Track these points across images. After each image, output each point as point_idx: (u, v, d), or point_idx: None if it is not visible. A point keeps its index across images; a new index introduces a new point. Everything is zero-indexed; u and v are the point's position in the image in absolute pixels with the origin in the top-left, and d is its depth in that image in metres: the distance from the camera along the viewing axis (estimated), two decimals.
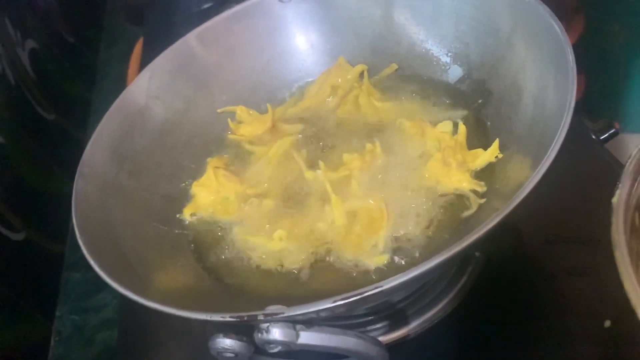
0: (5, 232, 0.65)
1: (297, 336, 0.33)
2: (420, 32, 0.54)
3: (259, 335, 0.32)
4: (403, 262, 0.42)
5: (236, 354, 0.34)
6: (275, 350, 0.33)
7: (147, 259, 0.44)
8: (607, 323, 0.42)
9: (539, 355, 0.43)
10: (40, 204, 0.75)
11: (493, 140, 0.45)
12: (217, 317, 0.33)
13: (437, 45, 0.53)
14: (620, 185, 0.32)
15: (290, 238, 0.44)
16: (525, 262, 0.48)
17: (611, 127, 0.54)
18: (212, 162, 0.51)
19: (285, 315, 0.32)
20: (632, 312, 0.28)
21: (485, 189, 0.43)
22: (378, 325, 0.45)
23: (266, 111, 0.54)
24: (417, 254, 0.42)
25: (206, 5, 0.81)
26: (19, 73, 0.79)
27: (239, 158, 0.53)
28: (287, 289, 0.42)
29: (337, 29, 0.57)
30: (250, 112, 0.55)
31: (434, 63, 0.54)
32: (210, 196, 0.49)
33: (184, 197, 0.50)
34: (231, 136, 0.54)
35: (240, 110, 0.55)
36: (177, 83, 0.54)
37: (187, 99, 0.55)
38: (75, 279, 0.71)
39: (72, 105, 0.92)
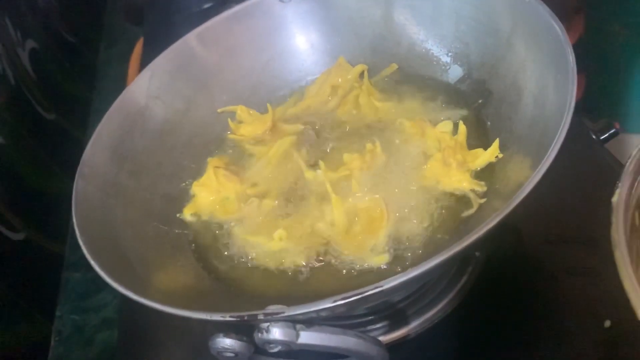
0: (6, 231, 0.65)
1: (297, 336, 0.33)
2: (420, 32, 0.54)
3: (259, 334, 0.32)
4: (403, 262, 0.41)
5: (236, 354, 0.34)
6: (276, 350, 0.33)
7: (147, 259, 0.44)
8: (607, 323, 0.42)
9: (539, 355, 0.43)
10: (40, 203, 0.75)
11: (493, 140, 0.45)
12: (217, 317, 0.33)
13: (437, 45, 0.53)
14: (620, 185, 0.32)
15: (291, 238, 0.44)
16: (525, 262, 0.48)
17: (611, 127, 0.54)
18: (212, 162, 0.51)
19: (286, 314, 0.32)
20: (632, 312, 0.28)
21: (485, 188, 0.43)
22: (378, 325, 0.45)
23: (266, 111, 0.54)
24: (417, 254, 0.42)
25: (206, 5, 0.82)
26: (19, 73, 0.79)
27: (239, 158, 0.53)
28: (287, 288, 0.42)
29: (337, 29, 0.57)
30: (251, 112, 0.55)
31: (434, 63, 0.54)
32: (210, 196, 0.49)
33: (184, 197, 0.50)
34: (231, 136, 0.54)
35: (241, 110, 0.55)
36: (177, 83, 0.54)
37: (188, 99, 0.55)
38: (75, 279, 0.71)
39: (73, 105, 0.92)
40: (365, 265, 0.42)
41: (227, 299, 0.43)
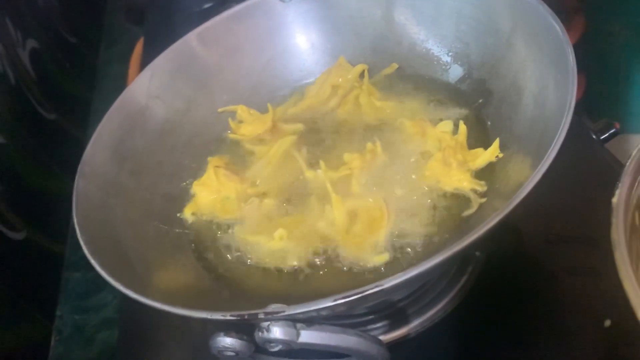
0: (6, 231, 0.66)
1: (298, 335, 0.33)
2: (420, 32, 0.54)
3: (260, 334, 0.32)
4: (403, 261, 0.42)
5: (237, 353, 0.34)
6: (276, 349, 0.33)
7: (148, 258, 0.44)
8: (607, 322, 0.42)
9: (539, 354, 0.43)
10: (40, 203, 0.75)
11: (493, 140, 0.45)
12: (217, 316, 0.33)
13: (437, 45, 0.53)
14: (620, 185, 0.32)
15: (291, 237, 0.44)
16: (525, 261, 0.48)
17: (611, 127, 0.54)
18: (212, 161, 0.51)
19: (286, 313, 0.32)
20: (632, 312, 0.28)
21: (485, 188, 0.43)
22: (379, 324, 0.45)
23: (267, 111, 0.54)
24: (417, 253, 0.42)
25: (207, 5, 0.81)
26: (19, 73, 0.79)
27: (239, 157, 0.53)
28: (287, 288, 0.42)
29: (337, 29, 0.57)
30: (251, 111, 0.55)
31: (435, 63, 0.54)
32: (210, 195, 0.49)
33: (185, 197, 0.50)
34: (232, 136, 0.54)
35: (241, 110, 0.55)
36: (177, 83, 0.55)
37: (188, 99, 0.55)
38: (75, 279, 0.71)
39: (73, 105, 0.92)
40: (366, 264, 0.42)
41: (227, 299, 0.43)
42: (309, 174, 0.48)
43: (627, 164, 0.33)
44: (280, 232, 0.44)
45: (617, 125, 0.55)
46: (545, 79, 0.42)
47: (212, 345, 0.34)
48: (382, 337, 0.42)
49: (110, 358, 0.63)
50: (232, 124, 0.55)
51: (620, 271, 0.29)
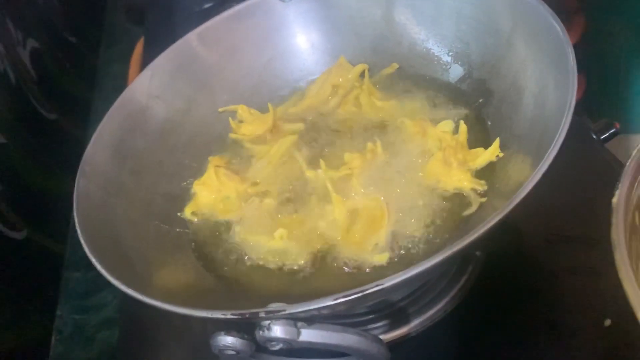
0: (7, 231, 0.66)
1: (299, 334, 0.33)
2: (421, 32, 0.54)
3: (261, 332, 0.32)
4: (404, 261, 0.42)
5: (237, 352, 0.34)
6: (277, 347, 0.33)
7: (149, 258, 0.44)
8: (607, 322, 0.42)
9: (539, 353, 0.43)
10: (41, 203, 0.75)
11: (494, 140, 0.45)
12: (218, 315, 0.33)
13: (438, 45, 0.53)
14: (620, 185, 0.32)
15: (291, 237, 0.44)
16: (525, 261, 0.48)
17: (611, 126, 0.54)
18: (213, 161, 0.51)
19: (287, 312, 0.32)
20: (632, 312, 0.28)
21: (485, 187, 0.44)
22: (379, 324, 0.45)
23: (267, 110, 0.54)
24: (418, 253, 0.42)
25: (207, 5, 0.82)
26: (20, 73, 0.79)
27: (240, 157, 0.53)
28: (288, 287, 0.43)
29: (338, 29, 0.57)
30: (251, 111, 0.55)
31: (435, 62, 0.54)
32: (211, 195, 0.49)
33: (185, 196, 0.50)
34: (232, 135, 0.54)
35: (241, 110, 0.55)
36: (178, 82, 0.55)
37: (188, 99, 0.55)
38: (75, 278, 0.71)
39: (73, 104, 0.93)
40: (366, 263, 0.42)
41: (228, 298, 0.43)
42: (310, 173, 0.48)
43: (627, 164, 0.33)
44: (280, 231, 0.44)
45: (617, 125, 0.55)
46: (546, 78, 0.42)
47: (213, 344, 0.34)
48: (382, 337, 0.42)
49: (110, 358, 0.63)
50: (232, 123, 0.55)
51: (620, 271, 0.29)
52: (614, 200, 0.32)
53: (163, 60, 0.54)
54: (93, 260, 0.38)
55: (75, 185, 0.44)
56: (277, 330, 0.32)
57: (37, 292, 0.68)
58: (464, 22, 0.51)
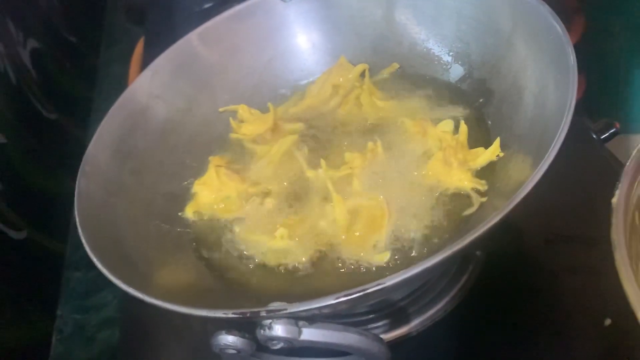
0: (7, 231, 0.66)
1: (300, 333, 0.33)
2: (421, 32, 0.54)
3: (262, 331, 0.32)
4: (404, 260, 0.42)
5: (238, 351, 0.34)
6: (278, 346, 0.33)
7: (149, 257, 0.44)
8: (607, 321, 0.42)
9: (539, 352, 0.43)
10: (41, 203, 0.75)
11: (494, 140, 0.45)
12: (219, 314, 0.33)
13: (438, 45, 0.54)
14: (620, 185, 0.32)
15: (292, 236, 0.44)
16: (525, 260, 0.49)
17: (611, 126, 0.54)
18: (214, 160, 0.51)
19: (288, 311, 0.32)
20: (632, 312, 0.28)
21: (486, 187, 0.44)
22: (379, 323, 0.45)
23: (268, 110, 0.54)
24: (418, 252, 0.42)
25: (207, 5, 0.82)
26: (20, 72, 0.79)
27: (240, 157, 0.53)
28: (288, 286, 0.43)
29: (338, 29, 0.57)
30: (252, 111, 0.55)
31: (435, 62, 0.54)
32: (212, 195, 0.49)
33: (186, 196, 0.50)
34: (233, 135, 0.54)
35: (242, 110, 0.55)
36: (178, 82, 0.55)
37: (189, 98, 0.55)
38: (76, 278, 0.71)
39: (74, 104, 0.93)
40: (367, 263, 0.42)
41: (228, 297, 0.43)
42: (310, 173, 0.48)
43: (627, 164, 0.33)
44: (281, 231, 0.44)
45: (617, 125, 0.55)
46: (546, 78, 0.42)
47: (214, 344, 0.34)
48: (383, 336, 0.42)
49: (110, 357, 0.63)
50: (233, 123, 0.55)
51: (620, 271, 0.29)
52: (614, 200, 0.32)
53: (164, 60, 0.54)
54: (94, 259, 0.38)
55: (76, 185, 0.44)
56: (278, 330, 0.32)
57: (37, 292, 0.68)
58: (464, 22, 0.51)
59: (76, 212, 0.42)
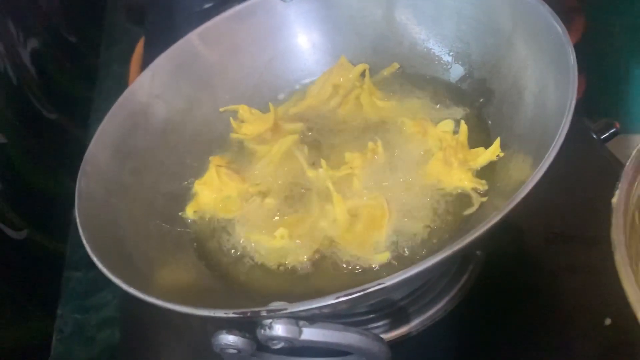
0: (7, 230, 0.66)
1: (300, 332, 0.33)
2: (421, 32, 0.54)
3: (262, 331, 0.32)
4: (405, 260, 0.42)
5: (239, 350, 0.34)
6: (278, 346, 0.33)
7: (150, 257, 0.44)
8: (608, 321, 0.42)
9: (539, 352, 0.43)
10: (41, 202, 0.75)
11: (494, 139, 0.45)
12: (220, 314, 0.33)
13: (438, 45, 0.54)
14: (620, 185, 0.32)
15: (292, 236, 0.44)
16: (525, 260, 0.49)
17: (611, 126, 0.54)
18: (214, 160, 0.51)
19: (288, 311, 0.32)
20: (632, 312, 0.28)
21: (486, 187, 0.44)
22: (380, 323, 0.45)
23: (268, 110, 0.54)
24: (418, 252, 0.42)
25: (207, 5, 0.82)
26: (20, 72, 0.79)
27: (241, 156, 0.53)
28: (289, 286, 0.43)
29: (338, 29, 0.57)
30: (252, 111, 0.55)
31: (436, 62, 0.54)
32: (212, 194, 0.49)
33: (187, 196, 0.51)
34: (233, 135, 0.54)
35: (242, 110, 0.55)
36: (179, 82, 0.55)
37: (190, 98, 0.55)
38: (76, 278, 0.71)
39: (74, 104, 0.93)
40: (367, 263, 0.42)
41: (229, 297, 0.43)
42: (310, 173, 0.48)
43: (627, 164, 0.33)
44: (281, 231, 0.44)
45: (617, 125, 0.55)
46: (546, 78, 0.42)
47: (215, 343, 0.34)
48: (383, 336, 0.42)
49: (111, 357, 0.63)
50: (233, 123, 0.55)
51: (620, 271, 0.29)
52: (614, 200, 0.32)
53: (164, 60, 0.54)
54: (95, 259, 0.38)
55: (77, 185, 0.44)
56: (279, 329, 0.32)
57: (37, 291, 0.68)
58: (464, 22, 0.51)
59: (77, 212, 0.42)
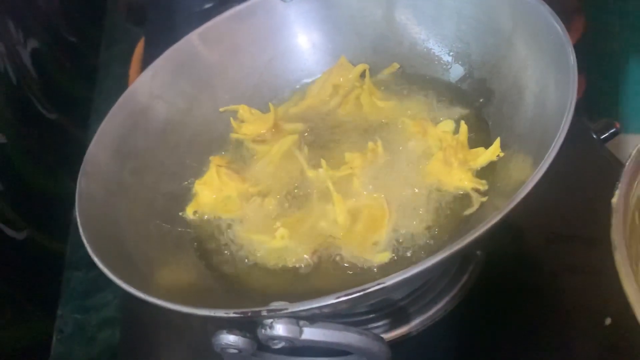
0: (7, 230, 0.66)
1: (301, 332, 0.33)
2: (421, 32, 0.54)
3: (263, 331, 0.33)
4: (405, 260, 0.42)
5: (240, 350, 0.34)
6: (279, 346, 0.33)
7: (150, 257, 0.44)
8: (608, 321, 0.42)
9: (540, 352, 0.43)
10: (41, 202, 0.75)
11: (494, 139, 0.45)
12: (220, 313, 0.33)
13: (438, 45, 0.54)
14: (620, 185, 0.32)
15: (292, 236, 0.44)
16: (526, 260, 0.49)
17: (611, 126, 0.54)
18: (214, 160, 0.51)
19: (289, 311, 0.32)
20: (632, 312, 0.28)
21: (486, 187, 0.44)
22: (380, 323, 0.45)
23: (268, 110, 0.54)
24: (419, 252, 0.42)
25: (207, 5, 0.82)
26: (20, 72, 0.79)
27: (241, 157, 0.53)
28: (289, 286, 0.43)
29: (338, 29, 0.57)
30: (252, 111, 0.55)
31: (436, 62, 0.54)
32: (212, 194, 0.49)
33: (187, 196, 0.51)
34: (234, 135, 0.55)
35: (242, 110, 0.55)
36: (179, 82, 0.55)
37: (190, 98, 0.55)
38: (76, 278, 0.71)
39: (74, 104, 0.93)
40: (367, 263, 0.42)
41: (229, 297, 0.43)
42: (311, 173, 0.48)
43: (627, 164, 0.33)
44: (281, 231, 0.45)
45: (617, 125, 0.55)
46: (546, 78, 0.42)
47: (215, 343, 0.34)
48: (383, 335, 0.43)
49: (111, 357, 0.63)
50: (234, 123, 0.55)
51: (620, 271, 0.29)
52: (614, 200, 0.32)
53: (164, 60, 0.54)
54: (95, 259, 0.38)
55: (77, 185, 0.44)
56: (280, 329, 0.32)
57: (37, 291, 0.68)
58: (464, 22, 0.51)
59: (77, 212, 0.42)
